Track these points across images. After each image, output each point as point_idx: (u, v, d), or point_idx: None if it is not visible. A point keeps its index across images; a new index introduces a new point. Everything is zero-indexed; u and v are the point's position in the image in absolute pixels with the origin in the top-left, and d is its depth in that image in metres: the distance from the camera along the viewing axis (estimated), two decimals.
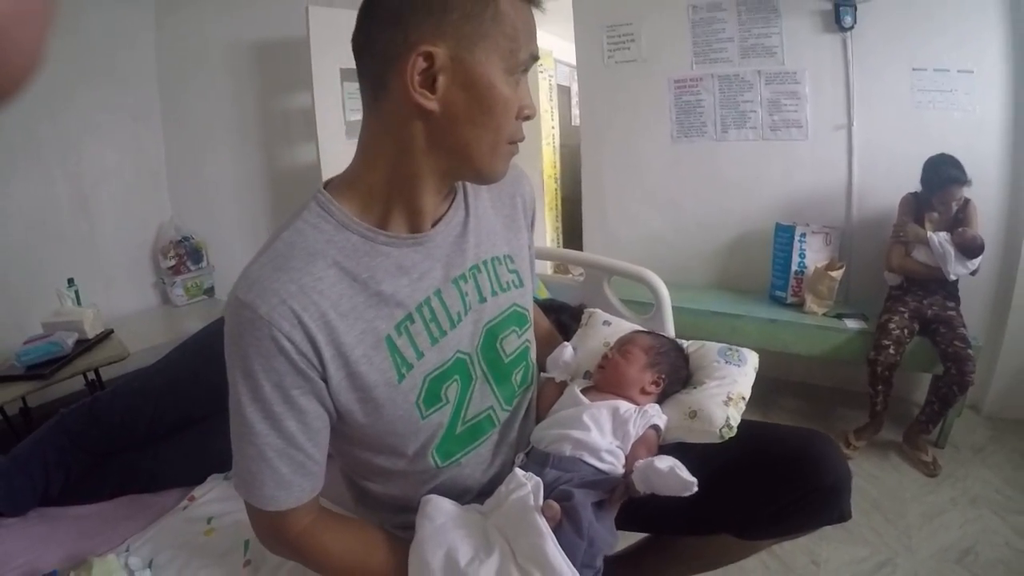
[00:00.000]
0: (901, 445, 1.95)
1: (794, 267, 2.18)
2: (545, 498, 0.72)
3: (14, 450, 1.22)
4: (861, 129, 2.19)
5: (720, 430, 0.85)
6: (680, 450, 0.83)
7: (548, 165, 4.22)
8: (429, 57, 0.63)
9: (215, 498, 1.16)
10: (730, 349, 1.00)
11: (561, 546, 0.67)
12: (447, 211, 0.78)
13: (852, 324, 2.02)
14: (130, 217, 2.90)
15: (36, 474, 1.17)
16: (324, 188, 0.73)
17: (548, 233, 4.24)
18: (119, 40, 2.84)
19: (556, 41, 4.16)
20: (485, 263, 0.81)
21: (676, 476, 0.73)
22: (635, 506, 0.82)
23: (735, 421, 0.87)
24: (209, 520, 1.10)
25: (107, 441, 1.27)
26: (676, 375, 0.96)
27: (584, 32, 2.65)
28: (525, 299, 0.88)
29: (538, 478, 0.75)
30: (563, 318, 1.39)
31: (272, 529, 0.74)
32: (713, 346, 1.03)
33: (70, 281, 2.23)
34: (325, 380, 0.68)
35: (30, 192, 2.59)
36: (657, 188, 2.61)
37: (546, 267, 1.93)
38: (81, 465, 1.23)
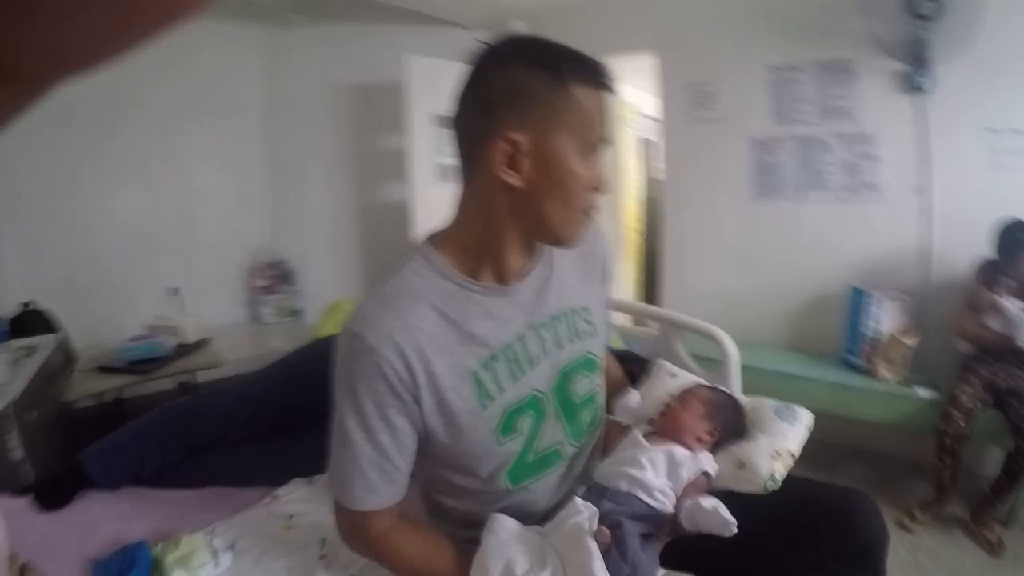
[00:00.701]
0: (967, 522, 1.85)
1: (867, 332, 2.13)
2: (599, 526, 0.78)
3: (118, 432, 1.37)
4: (938, 192, 2.15)
5: (765, 483, 0.90)
6: (728, 498, 0.87)
7: (632, 218, 4.28)
8: (513, 142, 0.74)
9: (297, 499, 1.26)
10: (785, 407, 1.05)
11: (608, 568, 0.73)
12: (533, 267, 0.88)
13: (923, 393, 1.95)
14: (230, 236, 3.18)
15: (134, 456, 1.32)
16: (428, 241, 0.85)
17: (630, 285, 4.28)
18: (231, 76, 3.18)
19: (642, 95, 4.28)
20: (565, 314, 0.91)
21: (718, 515, 0.80)
22: (682, 546, 0.87)
23: (780, 475, 0.91)
24: (290, 517, 1.19)
25: (204, 436, 1.41)
26: (731, 428, 1.00)
27: (669, 90, 2.75)
28: (598, 347, 0.96)
29: (595, 508, 0.81)
30: (634, 368, 1.45)
31: (355, 527, 0.83)
32: (768, 403, 1.07)
33: (176, 290, 2.46)
34: (418, 403, 0.78)
35: (140, 203, 2.92)
36: (735, 245, 2.63)
37: (624, 319, 1.98)
38: (176, 454, 1.37)
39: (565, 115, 0.75)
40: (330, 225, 3.33)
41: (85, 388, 1.92)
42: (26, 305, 2.33)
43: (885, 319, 2.10)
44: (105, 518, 1.20)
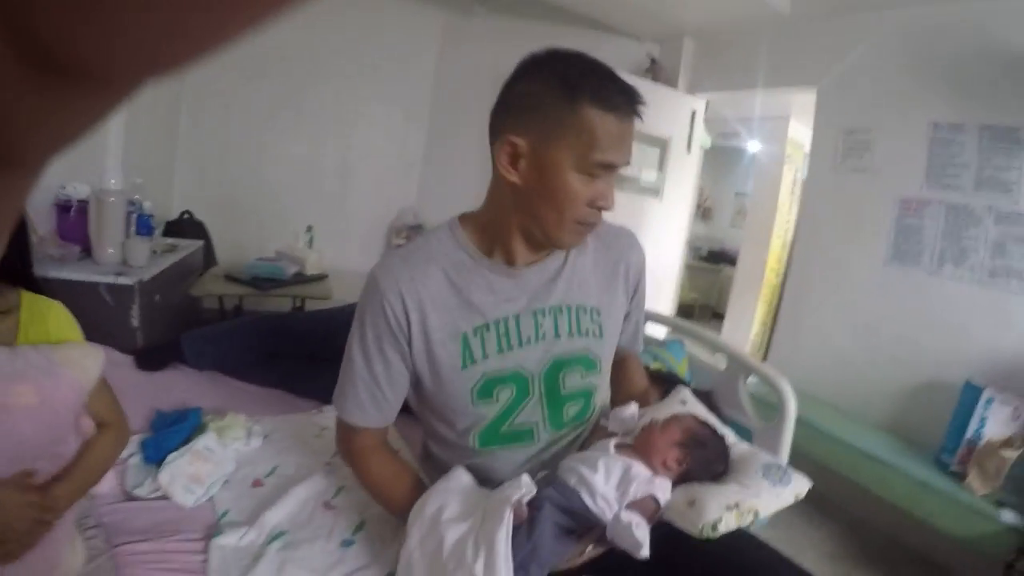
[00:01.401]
0: None
1: (969, 433, 1.88)
2: (523, 503, 0.82)
3: (217, 326, 1.66)
4: None
5: (702, 527, 0.84)
6: (680, 534, 0.85)
7: (773, 258, 4.09)
8: (514, 144, 0.83)
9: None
10: (778, 467, 0.98)
11: (513, 541, 0.77)
12: (544, 258, 0.95)
13: (1008, 516, 1.67)
14: (379, 193, 3.55)
15: (223, 349, 1.59)
16: (458, 218, 0.97)
17: (755, 325, 4.11)
18: (409, 53, 3.53)
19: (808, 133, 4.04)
20: (570, 308, 0.96)
21: (630, 533, 0.79)
22: (616, 559, 0.87)
23: (724, 527, 0.85)
24: (323, 429, 1.39)
25: (282, 347, 1.66)
26: (704, 466, 0.96)
27: (821, 131, 2.59)
28: (601, 349, 1.00)
29: (535, 488, 0.85)
30: (669, 390, 1.45)
31: (344, 437, 0.99)
32: (763, 457, 1.02)
33: (309, 228, 2.82)
34: (409, 346, 0.90)
35: (304, 150, 3.37)
36: (858, 309, 2.42)
37: (698, 349, 1.89)
38: (256, 356, 1.63)
39: (568, 131, 0.80)
40: (471, 203, 3.57)
41: (207, 288, 2.29)
42: (184, 214, 2.82)
43: (992, 424, 1.84)
44: (182, 387, 1.48)
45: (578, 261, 0.98)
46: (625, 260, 1.03)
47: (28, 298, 0.85)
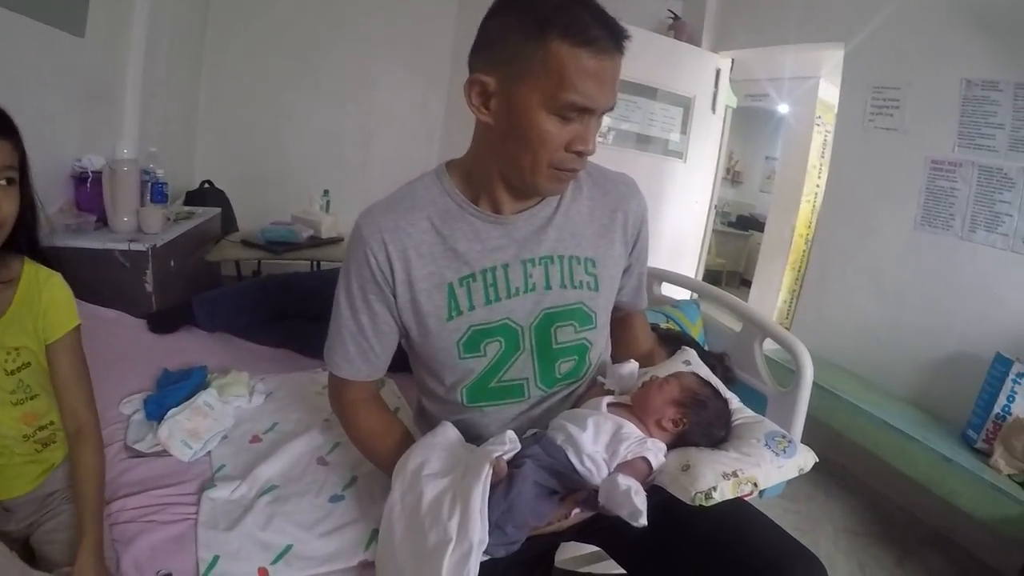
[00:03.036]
0: None
1: (997, 409, 1.79)
2: (502, 459, 0.80)
3: (227, 288, 1.69)
4: None
5: (694, 494, 0.80)
6: (671, 505, 0.82)
7: (802, 224, 3.95)
8: (482, 83, 0.78)
9: None
10: (784, 437, 0.93)
11: (490, 499, 0.76)
12: (534, 205, 0.91)
13: None
14: (400, 158, 3.53)
15: (233, 310, 1.62)
16: (445, 164, 0.93)
17: (783, 292, 4.03)
18: (427, 18, 3.48)
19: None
20: (561, 257, 0.91)
21: (629, 499, 0.75)
22: (607, 526, 0.86)
23: (719, 496, 0.81)
24: (325, 387, 1.38)
25: (289, 306, 1.68)
26: (702, 428, 0.92)
27: (849, 88, 2.46)
28: (596, 302, 0.95)
29: (518, 445, 0.83)
30: (675, 350, 1.41)
31: (334, 390, 0.99)
32: (767, 426, 0.97)
33: (326, 192, 2.83)
34: (394, 296, 0.88)
35: (326, 116, 3.38)
36: (885, 275, 2.32)
37: (715, 311, 1.84)
38: (265, 316, 1.65)
39: (537, 67, 0.74)
40: None
41: (223, 254, 2.33)
42: (204, 183, 2.86)
43: (1021, 400, 1.75)
44: (193, 348, 1.51)
45: (571, 209, 0.93)
46: (623, 209, 0.97)
47: (30, 268, 0.87)
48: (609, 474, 0.83)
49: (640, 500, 0.75)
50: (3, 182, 0.77)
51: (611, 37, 0.74)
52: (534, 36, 0.73)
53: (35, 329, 0.86)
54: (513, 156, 0.81)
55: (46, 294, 0.87)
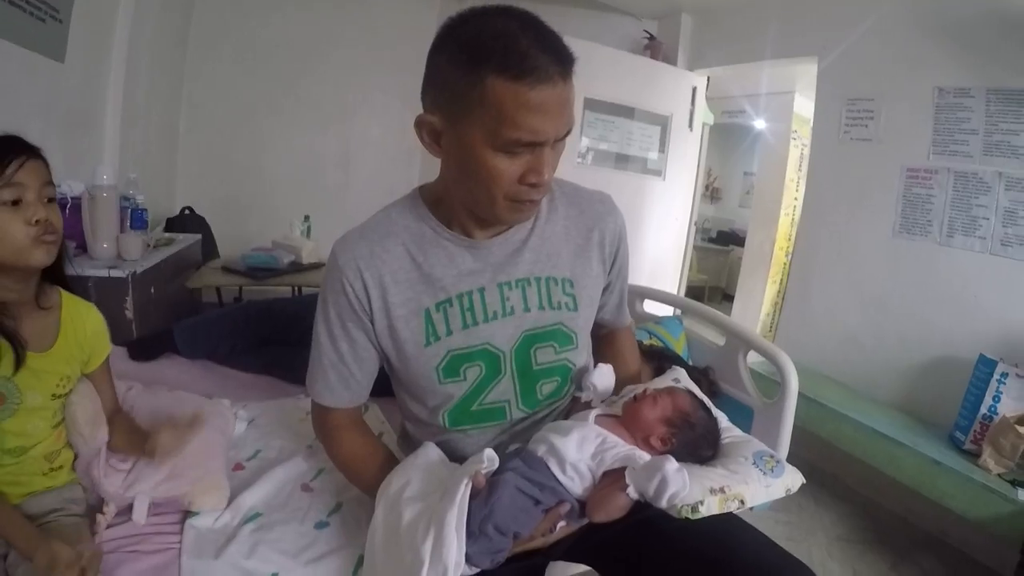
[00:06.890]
0: None
1: (983, 409, 1.81)
2: (482, 473, 0.78)
3: (206, 314, 1.66)
4: None
5: (681, 507, 0.79)
6: (660, 520, 0.80)
7: (782, 237, 4.01)
8: (429, 123, 0.77)
9: None
10: (771, 457, 0.93)
11: (470, 508, 0.74)
12: (507, 229, 0.90)
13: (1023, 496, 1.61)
14: (380, 182, 3.52)
15: (213, 337, 1.59)
16: (418, 189, 0.93)
17: (764, 306, 4.06)
18: (405, 40, 3.47)
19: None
20: (539, 279, 0.91)
21: (680, 476, 0.76)
22: (591, 544, 0.86)
23: (706, 510, 0.80)
24: (308, 413, 1.36)
25: (271, 332, 1.66)
26: (690, 449, 0.91)
27: (824, 101, 2.52)
28: (575, 323, 0.94)
29: (496, 463, 0.80)
30: (664, 366, 1.41)
31: (317, 417, 0.97)
32: (755, 445, 0.97)
33: (306, 217, 2.82)
34: (372, 323, 0.88)
35: (306, 141, 3.39)
36: (866, 283, 2.35)
37: (697, 325, 1.84)
38: (246, 342, 1.63)
39: (475, 108, 0.71)
40: None
41: (203, 280, 2.30)
42: (184, 209, 2.84)
43: (1008, 400, 1.76)
44: (173, 375, 1.48)
45: (547, 229, 0.93)
46: (600, 227, 0.96)
47: (67, 298, 0.93)
48: (601, 475, 0.82)
49: (686, 473, 0.77)
50: (47, 200, 0.82)
51: (555, 62, 0.70)
52: (469, 73, 0.70)
53: (79, 359, 0.92)
54: (469, 190, 0.81)
55: (90, 326, 0.94)
